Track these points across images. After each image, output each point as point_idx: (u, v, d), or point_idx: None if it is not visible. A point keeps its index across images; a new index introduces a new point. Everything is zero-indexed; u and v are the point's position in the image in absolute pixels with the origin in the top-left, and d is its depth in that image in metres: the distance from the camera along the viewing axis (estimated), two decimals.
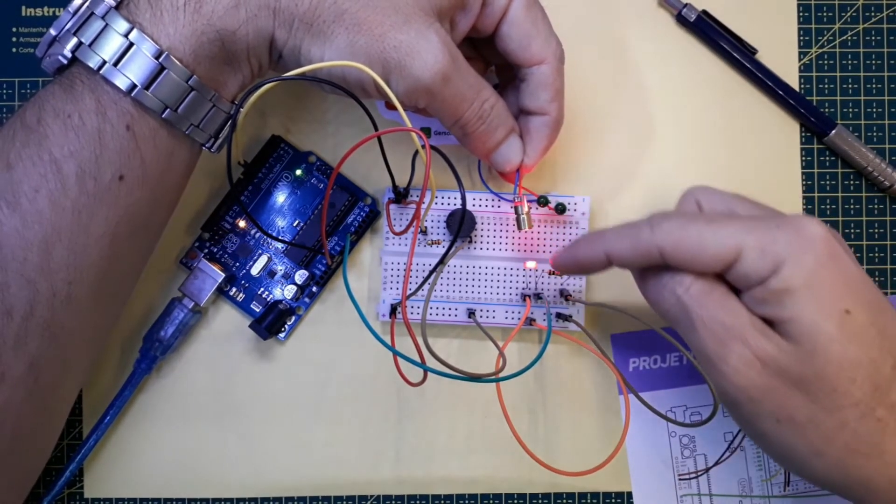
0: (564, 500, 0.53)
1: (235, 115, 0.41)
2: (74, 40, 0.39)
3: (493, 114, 0.44)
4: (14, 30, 0.54)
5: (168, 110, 0.40)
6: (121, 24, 0.39)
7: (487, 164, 0.48)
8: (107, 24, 0.39)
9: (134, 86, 0.39)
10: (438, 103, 0.42)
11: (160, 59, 0.39)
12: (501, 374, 0.43)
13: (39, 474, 0.48)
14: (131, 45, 0.39)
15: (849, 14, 0.54)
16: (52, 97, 0.39)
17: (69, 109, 0.39)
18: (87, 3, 0.39)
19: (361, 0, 0.40)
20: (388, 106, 0.49)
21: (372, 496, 0.53)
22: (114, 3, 0.39)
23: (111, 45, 0.39)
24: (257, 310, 0.52)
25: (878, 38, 0.54)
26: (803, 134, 0.54)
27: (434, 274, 0.47)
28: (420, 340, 0.43)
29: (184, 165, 0.44)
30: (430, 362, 0.42)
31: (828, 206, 0.54)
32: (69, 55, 0.39)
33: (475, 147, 0.46)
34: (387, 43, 0.40)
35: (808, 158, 0.54)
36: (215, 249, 0.53)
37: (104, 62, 0.39)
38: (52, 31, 0.40)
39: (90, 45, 0.39)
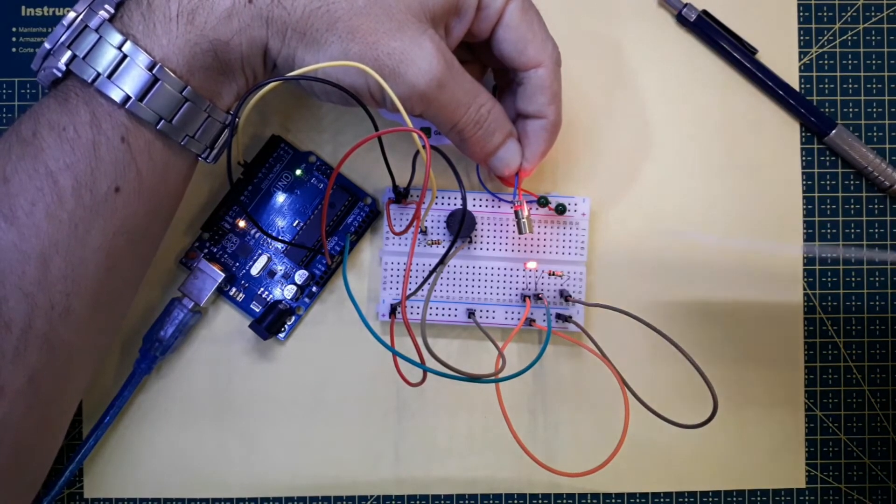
0: (564, 500, 0.53)
1: (234, 119, 0.41)
2: (69, 53, 0.39)
3: (489, 118, 0.44)
4: (14, 30, 0.54)
5: (163, 122, 0.40)
6: (114, 37, 0.38)
7: (486, 168, 0.48)
8: (101, 37, 0.39)
9: (128, 98, 0.39)
10: (434, 109, 0.42)
11: (154, 71, 0.39)
12: (501, 375, 0.43)
13: (41, 486, 0.48)
14: (125, 57, 0.38)
15: (849, 14, 0.53)
16: (48, 110, 0.39)
17: (64, 122, 0.39)
18: (81, 16, 0.39)
19: (354, 8, 0.39)
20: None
21: (372, 496, 0.53)
22: (107, 16, 0.39)
23: (105, 58, 0.38)
24: (257, 310, 0.53)
25: (878, 38, 0.53)
26: (803, 134, 0.53)
27: (434, 274, 0.47)
28: (420, 341, 0.43)
29: (180, 176, 0.44)
30: (430, 362, 0.42)
31: (828, 206, 0.53)
32: (64, 68, 0.39)
33: (473, 152, 0.46)
34: (380, 50, 0.40)
35: (808, 158, 0.53)
36: (215, 249, 0.53)
37: (98, 74, 0.38)
38: (47, 45, 0.40)
39: (84, 58, 0.39)
